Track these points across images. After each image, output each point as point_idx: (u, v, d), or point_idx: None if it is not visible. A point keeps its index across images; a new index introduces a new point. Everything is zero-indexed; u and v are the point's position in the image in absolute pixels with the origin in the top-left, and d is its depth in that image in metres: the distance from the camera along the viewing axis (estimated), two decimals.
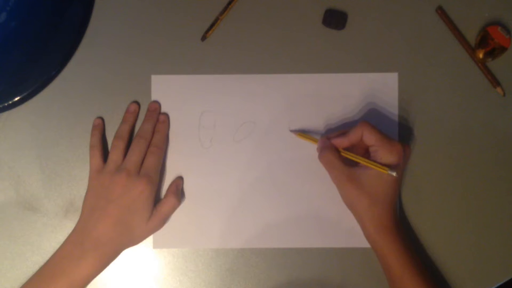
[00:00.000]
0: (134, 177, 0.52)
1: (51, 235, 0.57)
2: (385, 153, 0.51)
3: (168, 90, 0.57)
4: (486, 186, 0.57)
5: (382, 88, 0.57)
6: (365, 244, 0.54)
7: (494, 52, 0.55)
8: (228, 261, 0.57)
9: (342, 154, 0.53)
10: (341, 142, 0.53)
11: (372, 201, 0.51)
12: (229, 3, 0.57)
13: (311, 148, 0.56)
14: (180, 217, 0.57)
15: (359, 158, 0.52)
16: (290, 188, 0.57)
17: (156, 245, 0.57)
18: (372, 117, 0.57)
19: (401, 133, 0.57)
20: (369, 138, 0.51)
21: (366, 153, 0.54)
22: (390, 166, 0.50)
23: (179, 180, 0.57)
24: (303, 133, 0.56)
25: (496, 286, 0.56)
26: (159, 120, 0.57)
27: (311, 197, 0.57)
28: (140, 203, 0.52)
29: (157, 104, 0.57)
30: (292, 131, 0.57)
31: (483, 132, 0.57)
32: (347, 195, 0.53)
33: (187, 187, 0.57)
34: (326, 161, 0.53)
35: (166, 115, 0.57)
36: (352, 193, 0.52)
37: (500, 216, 0.57)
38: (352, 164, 0.53)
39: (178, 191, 0.56)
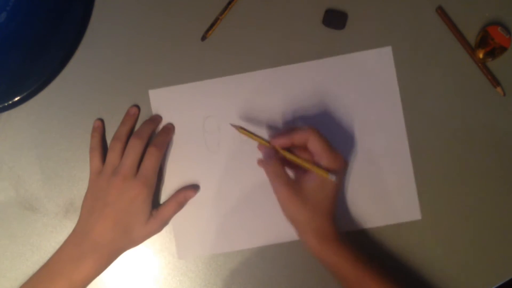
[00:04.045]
0: (130, 180, 0.52)
1: (51, 235, 0.57)
2: (328, 163, 0.50)
3: (167, 102, 0.57)
4: (486, 186, 0.57)
5: (378, 64, 0.57)
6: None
7: (494, 52, 0.55)
8: (228, 261, 0.57)
9: (286, 155, 0.52)
10: (284, 141, 0.52)
11: (315, 213, 0.50)
12: (229, 3, 0.57)
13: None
14: (202, 224, 0.56)
15: (302, 160, 0.51)
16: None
17: (180, 256, 0.56)
18: (372, 103, 0.57)
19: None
20: (315, 145, 0.50)
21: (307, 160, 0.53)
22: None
23: (192, 192, 0.56)
24: (242, 129, 0.54)
25: (496, 286, 0.56)
26: (165, 126, 0.57)
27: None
28: (137, 206, 0.52)
29: (159, 117, 0.57)
30: (233, 125, 0.55)
31: (483, 132, 0.57)
32: (289, 208, 0.51)
33: (201, 193, 0.57)
34: (271, 170, 0.51)
35: (172, 125, 0.57)
36: (295, 206, 0.50)
37: (500, 216, 0.56)
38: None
39: (184, 201, 0.56)
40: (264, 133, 0.57)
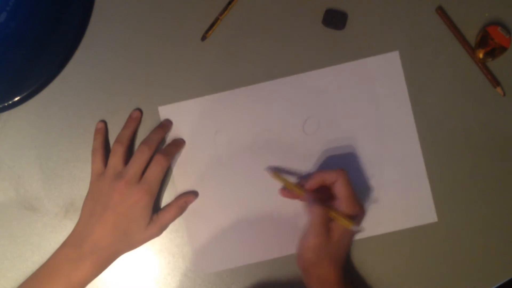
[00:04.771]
0: (133, 186, 0.52)
1: (51, 235, 0.57)
2: (348, 211, 0.50)
3: (177, 117, 0.57)
4: (485, 186, 0.57)
5: (387, 69, 0.57)
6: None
7: (494, 52, 0.55)
8: None
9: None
10: (315, 184, 0.52)
11: (331, 263, 0.50)
12: (229, 3, 0.57)
13: (329, 148, 0.56)
14: (217, 238, 0.56)
15: (331, 209, 0.51)
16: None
17: (196, 269, 0.56)
18: (382, 108, 0.57)
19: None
20: (341, 189, 0.51)
21: (328, 198, 0.53)
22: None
23: (192, 197, 0.56)
24: (277, 174, 0.55)
25: (496, 286, 0.56)
26: (176, 139, 0.57)
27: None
28: (137, 211, 0.52)
29: (169, 122, 0.57)
30: (266, 170, 0.56)
31: (483, 132, 0.57)
32: (310, 255, 0.50)
33: (218, 207, 0.57)
34: (319, 215, 0.50)
35: (183, 140, 0.57)
36: (317, 257, 0.50)
37: (500, 216, 0.56)
38: None
39: (185, 206, 0.56)
40: (279, 139, 0.57)
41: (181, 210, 0.55)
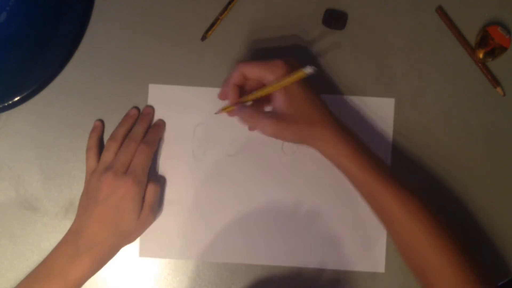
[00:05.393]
0: (120, 176, 0.52)
1: (51, 235, 0.57)
2: (272, 74, 0.50)
3: (165, 100, 0.57)
4: (485, 186, 0.57)
5: (379, 112, 0.57)
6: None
7: (494, 52, 0.55)
8: (228, 261, 0.57)
9: (248, 98, 0.52)
10: (232, 91, 0.52)
11: (306, 119, 0.50)
12: (229, 3, 0.57)
13: (305, 166, 0.56)
14: (169, 228, 0.56)
15: (260, 90, 0.50)
16: (282, 205, 0.56)
17: (142, 254, 0.56)
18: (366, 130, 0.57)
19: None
20: (250, 71, 0.51)
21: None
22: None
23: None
24: (227, 107, 0.54)
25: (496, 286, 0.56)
26: (156, 123, 0.57)
27: (303, 213, 0.56)
28: (127, 203, 0.52)
29: (151, 108, 0.57)
30: (216, 113, 0.56)
31: (483, 132, 0.57)
32: (285, 131, 0.50)
33: (176, 197, 0.57)
34: (247, 115, 0.51)
35: (163, 121, 0.57)
36: (287, 126, 0.50)
37: (499, 216, 0.56)
38: None
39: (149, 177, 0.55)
40: (255, 148, 0.56)
41: (153, 182, 0.54)
